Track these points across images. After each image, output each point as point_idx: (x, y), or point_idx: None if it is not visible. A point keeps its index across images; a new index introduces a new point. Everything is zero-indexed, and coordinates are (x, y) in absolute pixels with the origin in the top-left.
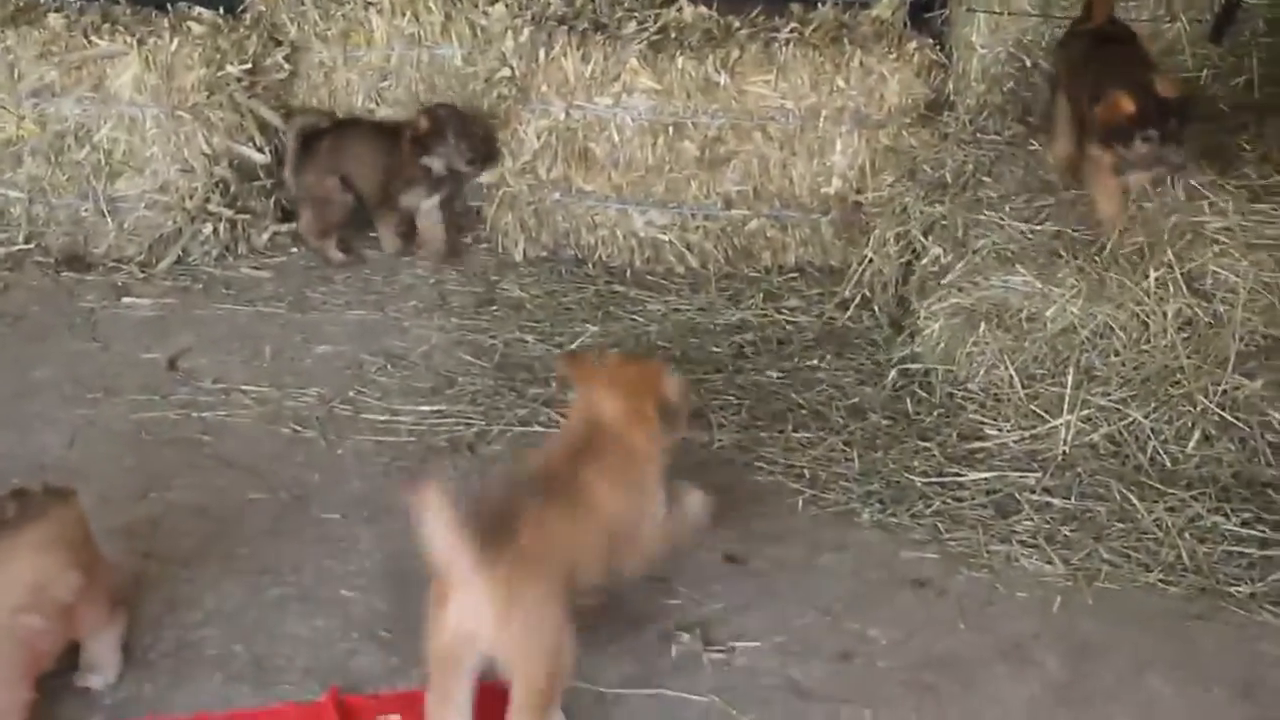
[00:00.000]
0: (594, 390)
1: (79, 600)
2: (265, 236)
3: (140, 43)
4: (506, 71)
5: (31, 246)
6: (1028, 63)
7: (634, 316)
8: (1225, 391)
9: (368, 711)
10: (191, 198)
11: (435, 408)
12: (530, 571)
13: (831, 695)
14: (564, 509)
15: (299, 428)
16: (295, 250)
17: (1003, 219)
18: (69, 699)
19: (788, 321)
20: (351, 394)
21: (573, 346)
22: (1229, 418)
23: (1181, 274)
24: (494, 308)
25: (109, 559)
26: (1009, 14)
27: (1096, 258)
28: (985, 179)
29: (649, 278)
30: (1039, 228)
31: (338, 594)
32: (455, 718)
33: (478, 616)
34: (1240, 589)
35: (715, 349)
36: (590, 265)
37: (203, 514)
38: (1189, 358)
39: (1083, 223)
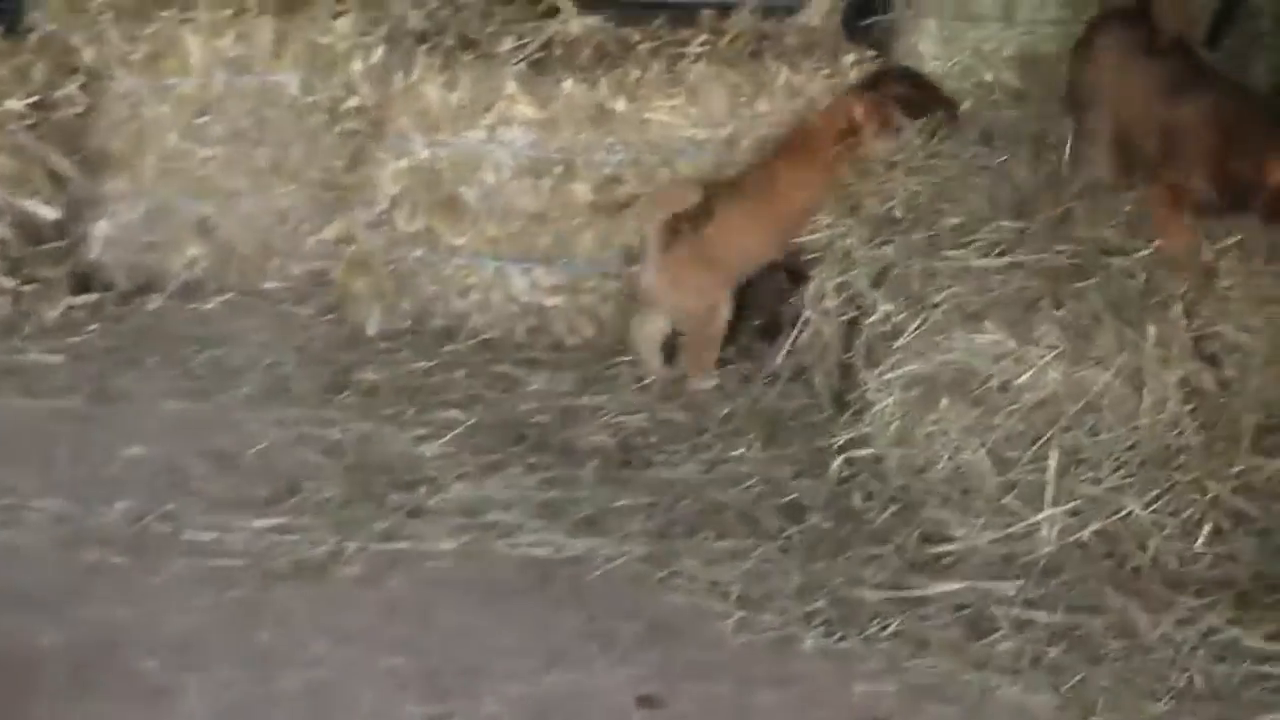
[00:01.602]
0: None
1: None
2: (57, 312)
3: None
4: (355, 101)
5: None
6: (988, 76)
7: (515, 400)
8: (1240, 474)
9: None
10: None
11: (275, 522)
12: (698, 256)
13: None
14: (751, 203)
15: (105, 552)
16: (95, 327)
17: (967, 260)
18: None
19: (705, 401)
20: (170, 507)
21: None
22: (1246, 507)
23: (1189, 333)
24: (344, 394)
25: None
26: (966, 20)
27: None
28: (944, 206)
29: (534, 352)
30: (1012, 264)
31: None
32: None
33: (653, 283)
34: (1269, 718)
35: (615, 438)
36: (461, 338)
37: None
38: (1196, 435)
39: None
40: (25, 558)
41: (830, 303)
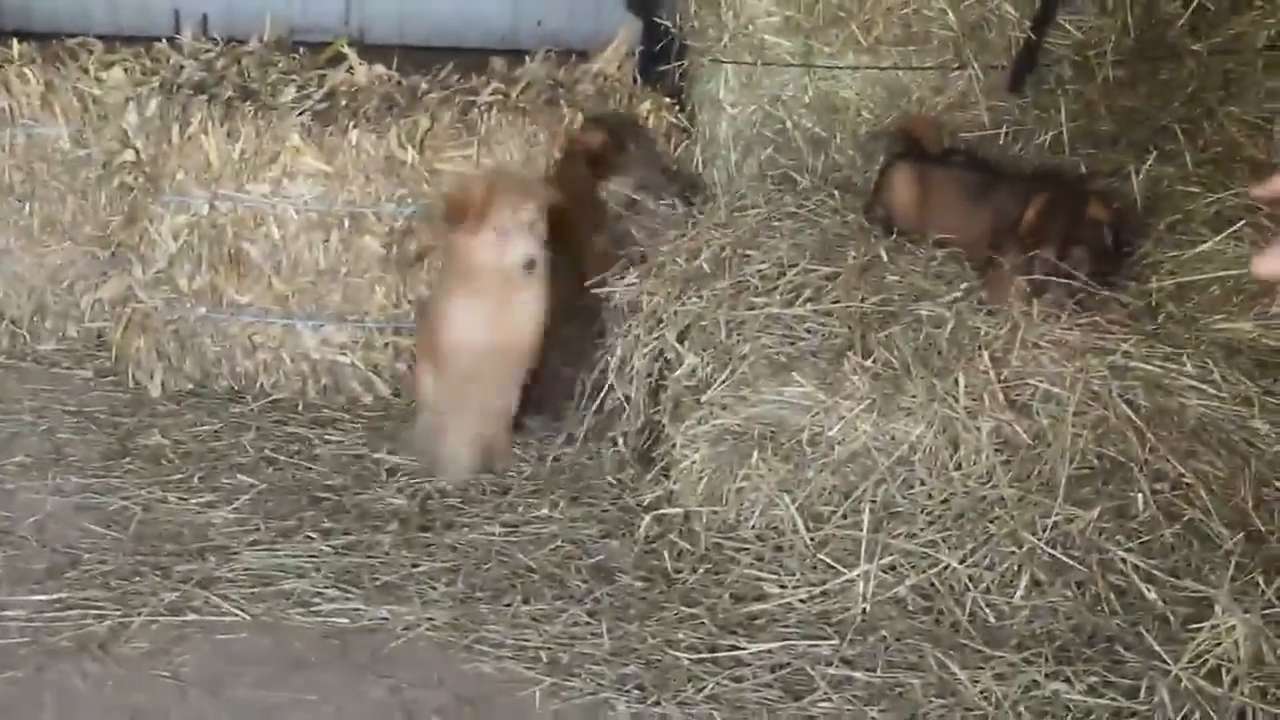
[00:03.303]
0: None
1: None
2: None
3: None
4: (130, 155)
5: None
6: (789, 123)
7: (306, 463)
8: (1056, 525)
9: None
10: None
11: (54, 596)
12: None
13: None
14: None
15: None
16: None
17: (773, 308)
18: None
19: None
20: None
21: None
22: (1062, 558)
23: (999, 382)
24: (126, 460)
25: None
26: (762, 64)
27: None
28: (750, 253)
29: (326, 411)
30: (819, 311)
31: None
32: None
33: None
34: None
35: (413, 499)
36: (250, 399)
37: None
38: (1010, 486)
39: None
40: None
41: (637, 362)
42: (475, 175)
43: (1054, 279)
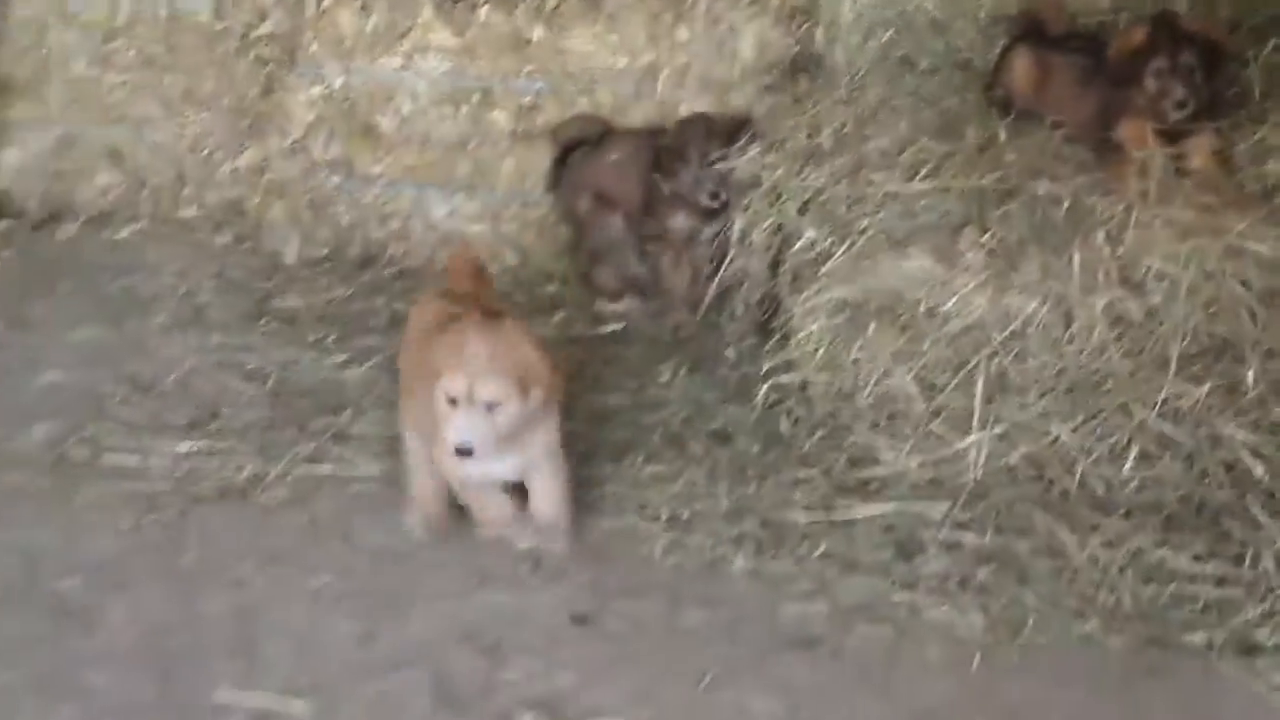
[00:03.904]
0: None
1: None
2: None
3: None
4: (267, 28)
5: None
6: (910, 5)
7: None
8: (1166, 400)
9: None
10: None
11: (197, 446)
12: None
13: None
14: None
15: (24, 475)
16: (6, 254)
17: (893, 184)
18: None
19: (631, 329)
20: (89, 432)
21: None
22: (1171, 432)
23: (1114, 260)
24: (263, 322)
25: None
26: None
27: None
28: (869, 131)
29: None
30: (938, 188)
31: (83, 680)
32: None
33: None
34: (1195, 638)
35: None
36: (380, 266)
37: None
38: (1122, 361)
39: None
40: None
41: (756, 236)
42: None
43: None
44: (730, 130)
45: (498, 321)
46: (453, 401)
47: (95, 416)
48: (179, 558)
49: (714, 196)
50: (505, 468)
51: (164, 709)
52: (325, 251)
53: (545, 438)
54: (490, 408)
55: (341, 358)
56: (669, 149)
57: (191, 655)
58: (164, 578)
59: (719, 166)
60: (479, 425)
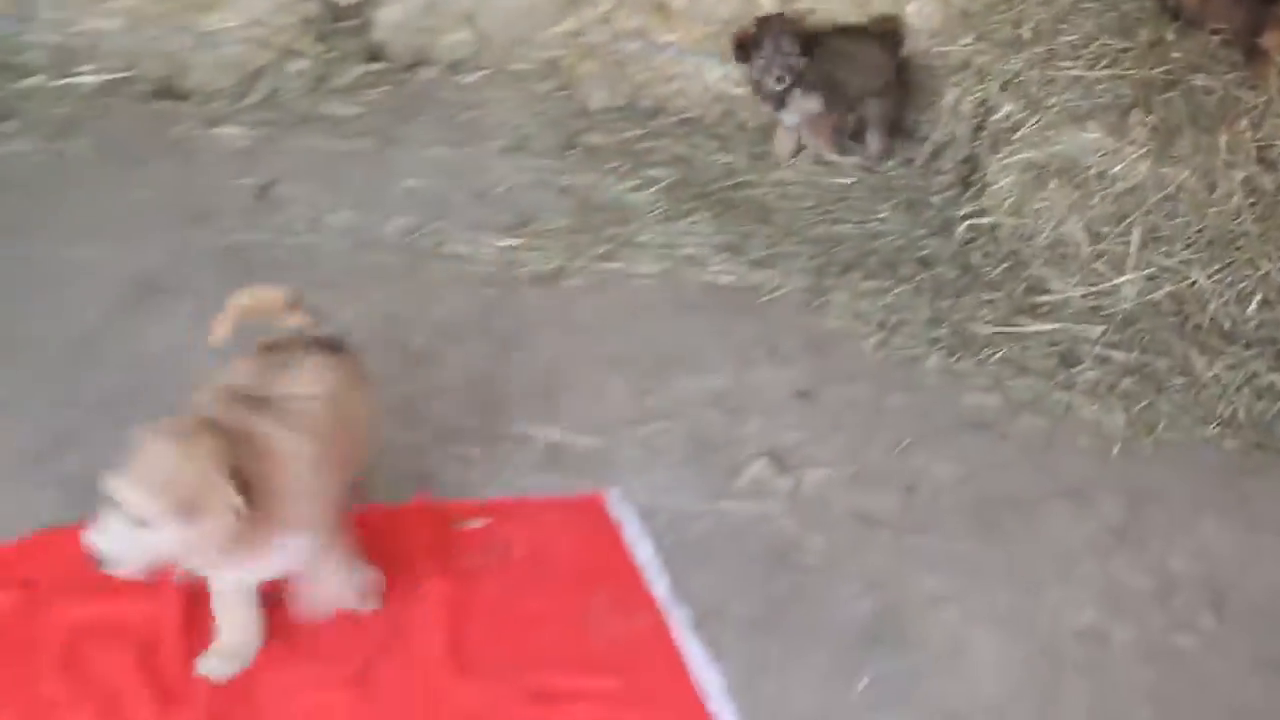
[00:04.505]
0: None
1: None
2: (352, 75)
3: None
4: None
5: (127, 76)
6: None
7: (705, 166)
8: None
9: (456, 515)
10: (282, 34)
11: (516, 242)
12: None
13: (896, 524)
14: None
15: (384, 255)
16: (382, 89)
17: (1077, 70)
18: None
19: (860, 179)
20: (435, 226)
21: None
22: None
23: (1253, 142)
24: (572, 152)
25: None
26: None
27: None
28: (1062, 26)
29: (720, 129)
30: (1114, 76)
31: (425, 410)
32: None
33: None
34: None
35: (784, 201)
36: (665, 115)
37: None
38: (1253, 224)
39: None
40: (326, 256)
41: (963, 106)
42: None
43: None
44: (803, 35)
45: (187, 435)
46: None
47: (441, 215)
48: (501, 323)
49: (779, 80)
50: (255, 572)
51: (482, 433)
52: (623, 102)
53: (305, 543)
54: (141, 522)
55: (632, 183)
56: (747, 39)
57: (505, 396)
58: (487, 337)
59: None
60: (121, 536)
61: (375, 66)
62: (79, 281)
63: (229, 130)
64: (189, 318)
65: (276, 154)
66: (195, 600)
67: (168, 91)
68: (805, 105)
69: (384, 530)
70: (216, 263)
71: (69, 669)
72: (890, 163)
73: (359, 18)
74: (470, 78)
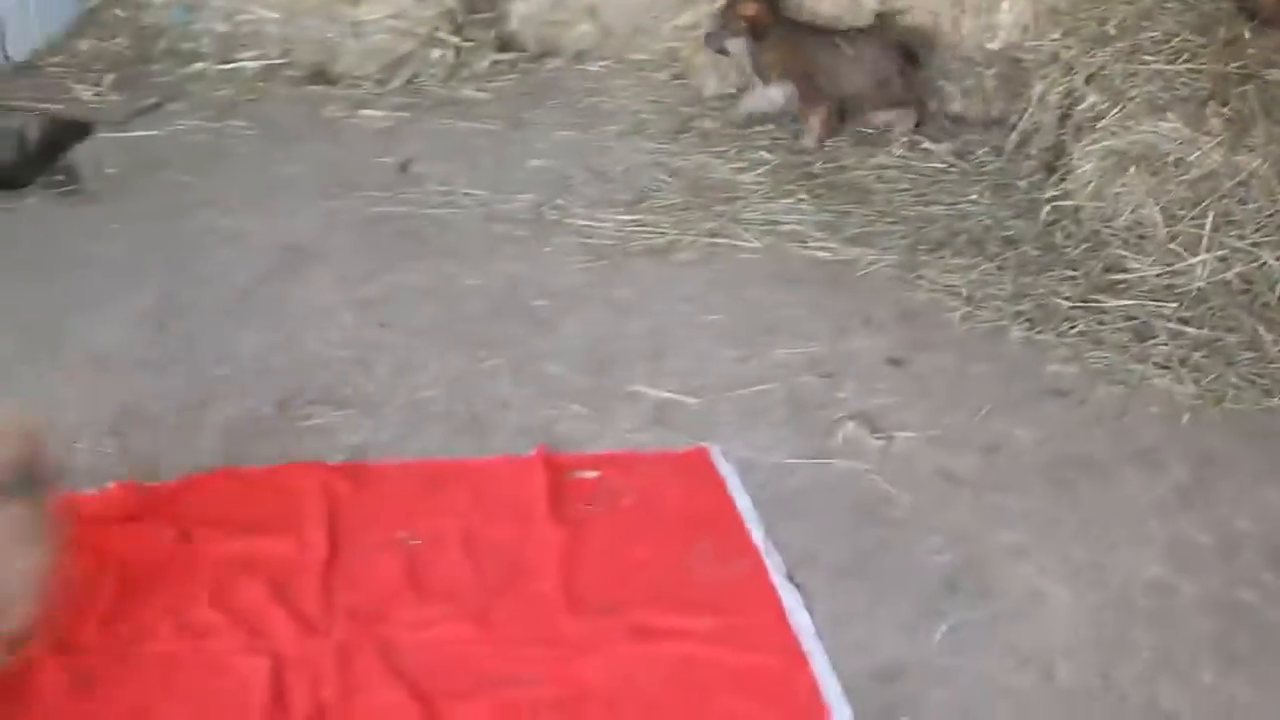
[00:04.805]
0: None
1: None
2: (486, 63)
3: None
4: None
5: (283, 62)
6: None
7: (808, 153)
8: None
9: (570, 466)
10: (423, 25)
11: (632, 217)
12: None
13: (978, 482)
14: None
15: (511, 227)
16: (513, 76)
17: (1158, 64)
18: (312, 438)
19: (953, 164)
20: (558, 201)
21: (757, 172)
22: None
23: None
24: (686, 135)
25: None
26: None
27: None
28: (1145, 24)
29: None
30: (1192, 70)
31: (544, 369)
32: None
33: None
34: None
35: (881, 184)
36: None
37: (429, 294)
38: None
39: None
40: (458, 226)
41: (1050, 97)
42: None
43: None
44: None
45: None
46: None
47: (564, 191)
48: (615, 291)
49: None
50: None
51: (596, 392)
52: (733, 90)
53: None
54: None
55: (739, 164)
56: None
57: (618, 358)
58: (604, 304)
59: None
60: None
61: (507, 56)
62: (235, 248)
63: (373, 112)
64: (332, 281)
65: (416, 134)
66: (334, 545)
67: (319, 76)
68: (770, 95)
69: (506, 479)
70: (359, 231)
71: (220, 599)
72: (983, 150)
73: (493, 10)
74: (593, 67)
